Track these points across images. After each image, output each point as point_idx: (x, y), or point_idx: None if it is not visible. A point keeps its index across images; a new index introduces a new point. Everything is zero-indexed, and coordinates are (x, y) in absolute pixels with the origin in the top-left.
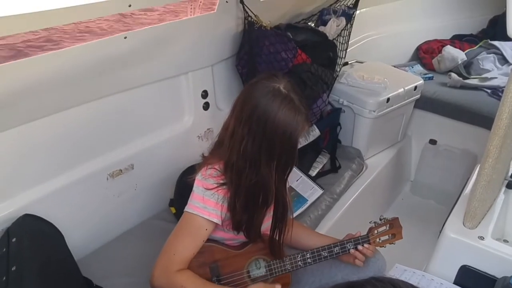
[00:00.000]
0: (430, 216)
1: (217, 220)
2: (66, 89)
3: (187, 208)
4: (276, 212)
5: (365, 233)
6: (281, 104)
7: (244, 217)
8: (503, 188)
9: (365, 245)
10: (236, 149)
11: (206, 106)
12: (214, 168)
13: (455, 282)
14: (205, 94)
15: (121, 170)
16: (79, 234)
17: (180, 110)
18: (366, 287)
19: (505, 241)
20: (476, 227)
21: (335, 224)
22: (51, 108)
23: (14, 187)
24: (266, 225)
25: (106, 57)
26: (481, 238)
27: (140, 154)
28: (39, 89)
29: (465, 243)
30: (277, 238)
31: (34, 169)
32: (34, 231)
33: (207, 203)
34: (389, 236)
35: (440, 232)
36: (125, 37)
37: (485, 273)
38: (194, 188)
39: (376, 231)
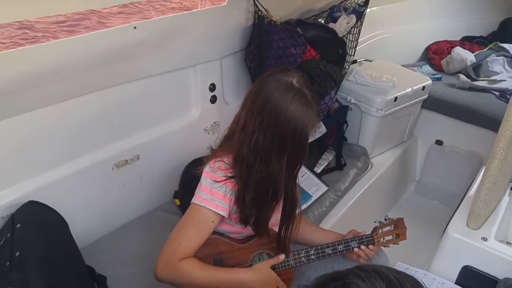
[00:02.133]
0: (434, 217)
1: (224, 213)
2: (73, 78)
3: (194, 200)
4: (284, 207)
5: (370, 232)
6: (293, 98)
7: (253, 211)
8: (508, 190)
9: (370, 246)
10: (246, 142)
11: (213, 100)
12: (223, 161)
13: (457, 282)
14: (212, 87)
15: (126, 161)
16: (83, 223)
17: (187, 102)
18: (349, 277)
19: (508, 243)
20: (479, 228)
21: (339, 221)
22: (58, 97)
23: (20, 174)
24: (274, 220)
25: (115, 47)
26: (484, 239)
27: (146, 145)
28: (46, 77)
29: (468, 243)
30: (285, 234)
31: (40, 156)
32: (39, 218)
33: (215, 196)
34: (393, 236)
35: (444, 232)
36: (135, 27)
37: (487, 274)
38: (201, 180)
39: (380, 231)
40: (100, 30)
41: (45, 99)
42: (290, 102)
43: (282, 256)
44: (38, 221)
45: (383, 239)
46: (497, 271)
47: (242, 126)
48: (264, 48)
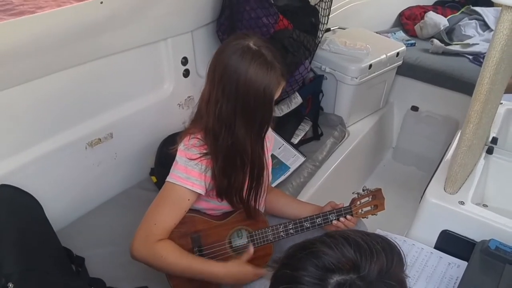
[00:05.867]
0: (412, 182)
1: (200, 190)
2: (40, 56)
3: (169, 178)
4: (252, 172)
5: (348, 203)
6: (251, 60)
7: (224, 182)
8: (483, 154)
9: (348, 216)
10: (212, 113)
11: (186, 73)
12: (197, 138)
13: (436, 247)
14: (185, 61)
15: (100, 139)
16: (58, 205)
17: (160, 77)
18: (316, 245)
19: (485, 205)
20: (456, 192)
21: (317, 191)
22: (26, 76)
23: None
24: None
25: (83, 22)
26: (462, 203)
27: (119, 122)
28: (13, 55)
29: (446, 208)
30: (253, 200)
31: (11, 138)
32: (12, 202)
33: (191, 174)
34: (371, 207)
35: (422, 198)
36: (101, 2)
37: (465, 237)
38: (176, 158)
39: (358, 202)
40: (66, 6)
41: (11, 79)
42: (248, 65)
43: (251, 249)
44: (11, 205)
45: (362, 210)
46: (475, 234)
47: (207, 98)
48: (236, 19)
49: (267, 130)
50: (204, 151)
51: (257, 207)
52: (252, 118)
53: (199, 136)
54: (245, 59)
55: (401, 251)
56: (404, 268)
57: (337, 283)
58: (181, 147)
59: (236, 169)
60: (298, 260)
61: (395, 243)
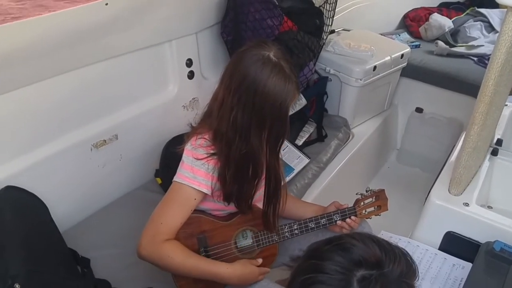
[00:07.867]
0: (416, 184)
1: (207, 190)
2: (45, 58)
3: (176, 178)
4: (268, 186)
5: (352, 204)
6: (271, 73)
7: (234, 188)
8: (488, 155)
9: (352, 217)
10: (225, 120)
11: (191, 75)
12: (204, 138)
13: (440, 248)
14: (189, 63)
15: (105, 141)
16: (64, 206)
17: (164, 79)
18: (343, 239)
19: (489, 207)
20: (461, 193)
21: (322, 192)
22: (31, 78)
23: None
24: (257, 196)
25: (87, 24)
26: (466, 204)
27: (124, 124)
28: (17, 57)
29: (450, 209)
30: (271, 212)
31: (16, 140)
32: (17, 203)
33: (197, 173)
34: (375, 208)
35: (426, 199)
36: (106, 4)
37: (470, 238)
38: (183, 158)
39: (362, 203)
40: (71, 7)
41: (16, 81)
42: (267, 77)
43: (260, 260)
44: (17, 207)
45: (365, 211)
46: (479, 236)
47: (221, 103)
48: (240, 20)
49: (282, 144)
50: (212, 151)
51: (276, 218)
52: (267, 130)
53: (206, 137)
54: (264, 71)
55: (416, 265)
56: (416, 279)
57: (362, 277)
58: (188, 147)
59: (248, 178)
60: (324, 252)
61: (410, 256)
